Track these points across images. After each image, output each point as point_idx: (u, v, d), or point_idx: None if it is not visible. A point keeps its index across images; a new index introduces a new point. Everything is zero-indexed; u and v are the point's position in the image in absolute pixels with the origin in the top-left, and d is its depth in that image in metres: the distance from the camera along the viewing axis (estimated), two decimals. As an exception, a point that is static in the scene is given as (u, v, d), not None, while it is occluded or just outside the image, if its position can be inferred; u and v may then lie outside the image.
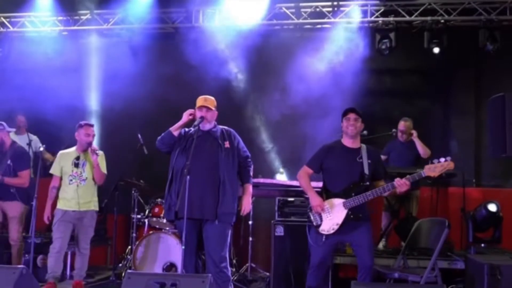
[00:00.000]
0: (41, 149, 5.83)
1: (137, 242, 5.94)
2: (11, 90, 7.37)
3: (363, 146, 4.56)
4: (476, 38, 7.00)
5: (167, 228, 6.14)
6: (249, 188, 4.74)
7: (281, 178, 6.79)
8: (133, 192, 6.33)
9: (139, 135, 6.34)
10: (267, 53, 7.20)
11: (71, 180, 5.35)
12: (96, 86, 7.26)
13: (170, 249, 5.84)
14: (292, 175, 6.14)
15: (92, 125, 5.49)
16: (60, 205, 5.34)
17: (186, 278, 3.82)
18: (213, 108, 4.70)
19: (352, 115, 4.52)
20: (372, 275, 4.36)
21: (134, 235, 6.28)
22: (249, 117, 7.15)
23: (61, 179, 5.41)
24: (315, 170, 4.63)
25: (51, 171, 5.46)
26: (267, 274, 6.17)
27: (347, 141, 4.56)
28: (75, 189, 5.31)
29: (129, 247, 6.49)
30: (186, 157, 4.55)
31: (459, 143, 7.71)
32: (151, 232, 6.05)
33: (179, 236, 5.91)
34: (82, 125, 5.41)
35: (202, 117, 4.61)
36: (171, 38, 7.64)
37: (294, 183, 5.60)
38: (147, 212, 6.30)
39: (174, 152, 4.72)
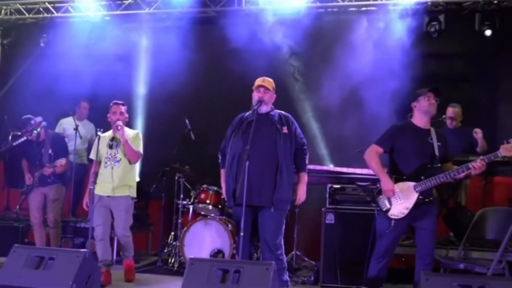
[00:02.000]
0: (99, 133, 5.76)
1: (184, 229, 5.93)
2: (58, 76, 7.44)
3: (431, 128, 4.43)
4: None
5: (212, 214, 6.12)
6: (305, 177, 4.66)
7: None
8: (177, 177, 6.29)
9: (187, 121, 6.29)
10: (312, 37, 7.03)
11: (106, 163, 5.21)
12: (142, 72, 7.20)
13: (218, 236, 5.81)
14: (339, 162, 6.00)
15: (118, 104, 5.29)
16: (96, 190, 5.15)
17: (250, 265, 3.79)
18: (271, 89, 4.62)
19: (431, 95, 4.39)
20: (432, 264, 4.26)
21: (179, 221, 6.25)
22: (296, 102, 7.02)
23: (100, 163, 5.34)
24: (386, 149, 4.46)
25: (90, 156, 5.49)
26: (313, 262, 6.10)
27: (420, 122, 4.41)
28: (110, 172, 5.14)
29: (172, 233, 6.49)
30: (244, 141, 4.50)
31: (506, 131, 7.47)
32: (198, 218, 6.01)
33: (226, 223, 5.92)
34: (111, 105, 5.32)
35: (260, 100, 4.55)
36: (214, 22, 7.55)
37: (345, 169, 5.49)
38: (192, 198, 6.28)
39: (230, 136, 4.68)
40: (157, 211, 6.85)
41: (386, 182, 4.31)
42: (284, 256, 4.57)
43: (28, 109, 6.03)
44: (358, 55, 6.75)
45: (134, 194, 5.31)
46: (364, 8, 7.38)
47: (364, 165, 4.97)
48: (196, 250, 5.81)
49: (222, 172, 4.80)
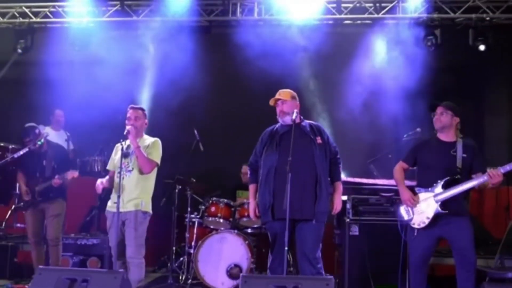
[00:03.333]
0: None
1: (198, 244, 5.66)
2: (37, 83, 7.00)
3: (460, 140, 4.47)
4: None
5: (222, 228, 5.90)
6: (340, 186, 4.58)
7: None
8: (178, 189, 6.02)
9: (195, 131, 6.06)
10: (312, 49, 7.03)
11: (118, 173, 4.59)
12: (133, 81, 6.83)
13: (234, 250, 5.59)
14: (355, 173, 5.96)
15: (135, 108, 4.81)
16: (109, 206, 4.70)
17: (309, 281, 3.64)
18: (288, 99, 4.52)
19: (438, 110, 4.49)
20: (474, 274, 4.27)
21: (187, 235, 5.98)
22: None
23: None
24: (410, 164, 4.57)
25: (107, 167, 4.97)
26: (328, 276, 5.97)
27: (441, 135, 4.51)
28: (120, 182, 4.49)
29: (174, 247, 6.18)
30: (279, 154, 4.38)
31: (491, 142, 7.75)
32: (212, 232, 5.78)
33: (244, 236, 5.71)
34: (128, 109, 4.82)
35: (282, 112, 4.47)
36: (207, 32, 7.39)
37: (367, 181, 5.47)
38: (201, 211, 6.04)
39: (262, 150, 4.54)
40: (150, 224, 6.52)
41: (403, 193, 4.47)
42: (323, 270, 4.43)
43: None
44: (361, 70, 6.81)
45: (148, 209, 4.69)
46: (359, 22, 7.50)
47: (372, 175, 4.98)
48: (211, 266, 5.58)
49: (252, 187, 4.62)
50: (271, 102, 4.59)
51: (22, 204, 5.43)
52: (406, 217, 4.45)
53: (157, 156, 4.78)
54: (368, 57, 6.91)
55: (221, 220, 5.91)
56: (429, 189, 4.38)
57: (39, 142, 5.24)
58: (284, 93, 4.57)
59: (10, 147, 6.18)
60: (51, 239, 5.42)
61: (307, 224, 4.31)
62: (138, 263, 4.56)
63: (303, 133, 4.46)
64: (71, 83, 7.08)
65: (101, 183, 4.71)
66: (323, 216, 4.41)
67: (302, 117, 4.62)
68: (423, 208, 4.37)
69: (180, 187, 6.02)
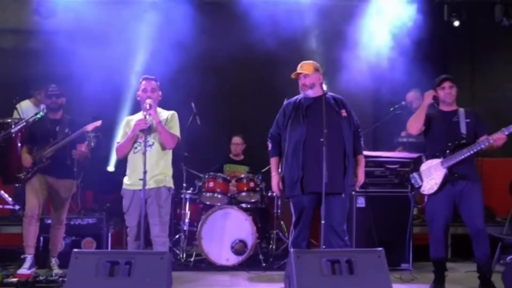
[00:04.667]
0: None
1: (192, 220, 5.48)
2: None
3: (460, 109, 4.67)
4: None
5: (219, 204, 5.75)
6: (363, 159, 4.56)
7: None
8: (182, 165, 5.78)
9: (193, 104, 5.78)
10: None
11: (136, 148, 4.40)
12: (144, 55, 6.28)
13: (238, 225, 5.46)
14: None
15: (150, 79, 4.52)
16: (127, 184, 4.43)
17: (361, 254, 3.65)
18: (311, 72, 4.41)
19: (447, 84, 4.63)
20: (488, 240, 4.48)
21: (183, 212, 5.75)
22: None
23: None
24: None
25: (117, 140, 4.62)
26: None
27: (443, 107, 4.69)
28: (142, 158, 4.22)
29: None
30: (308, 126, 4.30)
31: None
32: (214, 208, 5.60)
33: (246, 210, 5.60)
34: (141, 81, 4.56)
35: (304, 85, 4.38)
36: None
37: (372, 153, 5.53)
38: (197, 187, 5.83)
39: (286, 123, 4.43)
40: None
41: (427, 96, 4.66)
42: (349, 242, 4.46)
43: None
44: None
45: (171, 184, 4.50)
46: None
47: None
48: (215, 242, 5.43)
49: (274, 160, 4.51)
50: (293, 75, 4.47)
51: (23, 173, 4.92)
52: (416, 185, 4.62)
53: (177, 129, 4.55)
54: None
55: (219, 196, 5.74)
56: (437, 155, 4.55)
57: (39, 116, 4.77)
58: (306, 66, 4.44)
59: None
60: (60, 221, 5.03)
61: (336, 197, 4.27)
62: (163, 242, 4.36)
63: (329, 106, 4.40)
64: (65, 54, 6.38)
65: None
66: (350, 189, 4.42)
67: (326, 89, 4.55)
68: (432, 174, 4.53)
69: (183, 163, 5.74)
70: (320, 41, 6.67)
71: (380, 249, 3.68)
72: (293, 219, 4.45)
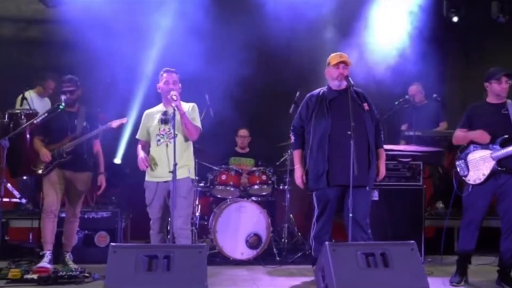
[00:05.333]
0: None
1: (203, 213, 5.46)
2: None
3: (508, 100, 4.66)
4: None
5: (230, 197, 5.75)
6: (384, 153, 4.65)
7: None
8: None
9: (207, 96, 5.73)
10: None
11: (159, 140, 4.40)
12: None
13: (253, 219, 5.48)
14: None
15: (171, 72, 4.51)
16: (150, 176, 4.43)
17: (395, 246, 3.71)
18: (350, 65, 4.48)
19: (505, 79, 4.61)
20: None
21: (194, 205, 5.71)
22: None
23: (149, 144, 4.54)
24: (467, 129, 4.69)
25: (137, 136, 4.61)
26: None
27: (492, 100, 4.67)
28: (165, 151, 4.32)
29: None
30: (333, 119, 4.35)
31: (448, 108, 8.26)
32: (228, 202, 5.59)
33: (260, 204, 5.61)
34: (162, 73, 4.52)
35: (342, 75, 4.39)
36: None
37: (385, 146, 5.58)
38: (209, 180, 5.81)
39: (309, 116, 4.45)
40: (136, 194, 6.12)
41: (475, 133, 4.56)
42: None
43: None
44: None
45: (193, 175, 4.55)
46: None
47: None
48: (230, 236, 5.43)
49: (298, 153, 4.55)
50: (334, 60, 4.45)
51: (41, 168, 4.78)
52: (461, 172, 4.58)
53: (199, 121, 4.57)
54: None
55: (232, 189, 5.74)
56: (486, 146, 4.53)
57: (61, 107, 4.66)
58: (347, 57, 4.48)
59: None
60: (75, 214, 4.94)
61: (360, 190, 4.31)
62: (187, 234, 4.36)
63: (353, 99, 4.43)
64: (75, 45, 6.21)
65: (145, 159, 4.38)
66: (373, 183, 4.48)
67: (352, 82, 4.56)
68: (480, 165, 4.50)
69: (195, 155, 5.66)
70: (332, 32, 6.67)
71: (412, 241, 3.75)
72: (316, 212, 4.50)
